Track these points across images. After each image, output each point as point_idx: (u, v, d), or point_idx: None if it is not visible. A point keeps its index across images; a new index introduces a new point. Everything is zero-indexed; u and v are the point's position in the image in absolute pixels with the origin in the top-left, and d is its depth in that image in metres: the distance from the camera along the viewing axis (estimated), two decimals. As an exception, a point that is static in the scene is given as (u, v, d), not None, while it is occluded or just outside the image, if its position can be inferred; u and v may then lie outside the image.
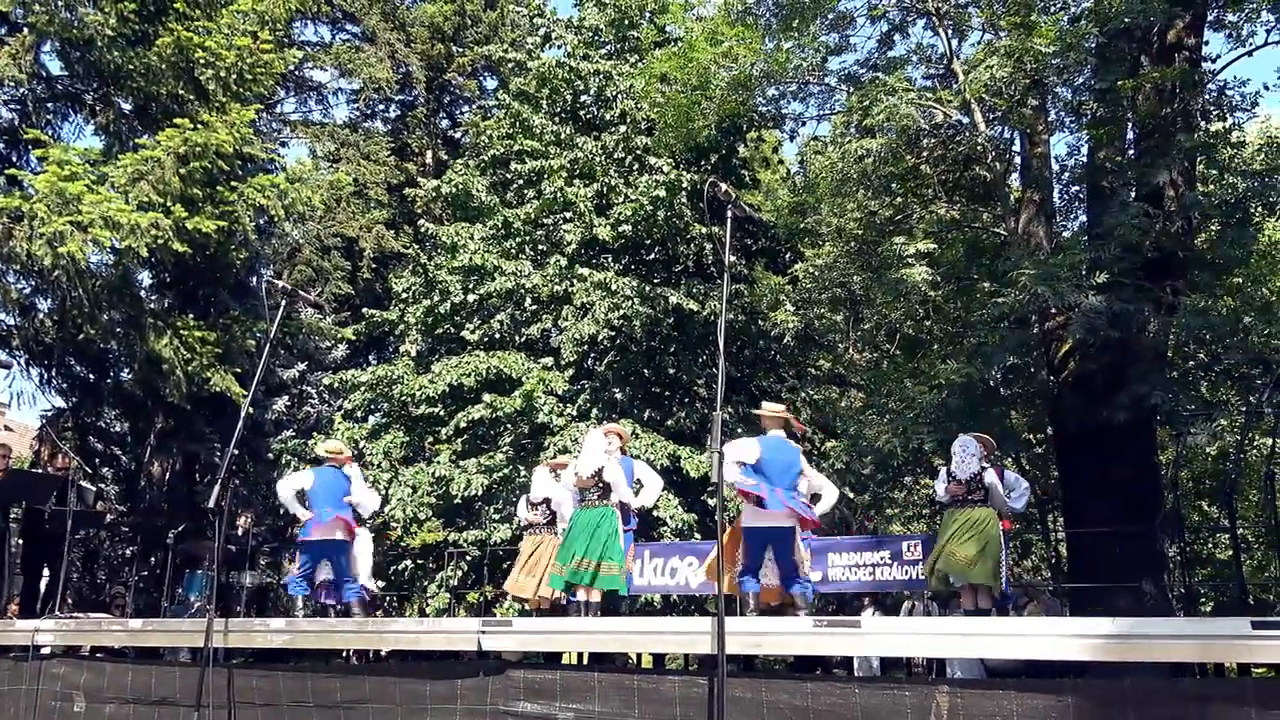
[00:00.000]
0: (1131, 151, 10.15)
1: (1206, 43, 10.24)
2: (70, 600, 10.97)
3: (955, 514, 6.83)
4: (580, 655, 7.60)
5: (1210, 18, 10.07)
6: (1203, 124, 9.77)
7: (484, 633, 4.99)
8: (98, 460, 14.65)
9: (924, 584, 8.62)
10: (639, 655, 8.86)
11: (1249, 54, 9.74)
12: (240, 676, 5.47)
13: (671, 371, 13.72)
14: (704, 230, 13.65)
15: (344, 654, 9.43)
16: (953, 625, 4.68)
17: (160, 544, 11.43)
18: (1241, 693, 3.55)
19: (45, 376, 12.52)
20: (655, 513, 11.62)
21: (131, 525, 14.59)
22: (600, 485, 6.50)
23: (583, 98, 15.29)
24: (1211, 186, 9.99)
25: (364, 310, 16.10)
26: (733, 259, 11.95)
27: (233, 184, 10.73)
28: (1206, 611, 14.19)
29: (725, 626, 3.92)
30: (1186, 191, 9.55)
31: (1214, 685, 4.46)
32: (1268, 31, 9.55)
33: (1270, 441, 9.52)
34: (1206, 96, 9.85)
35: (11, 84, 10.66)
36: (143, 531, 14.07)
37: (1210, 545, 16.36)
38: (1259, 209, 9.43)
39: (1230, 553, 13.84)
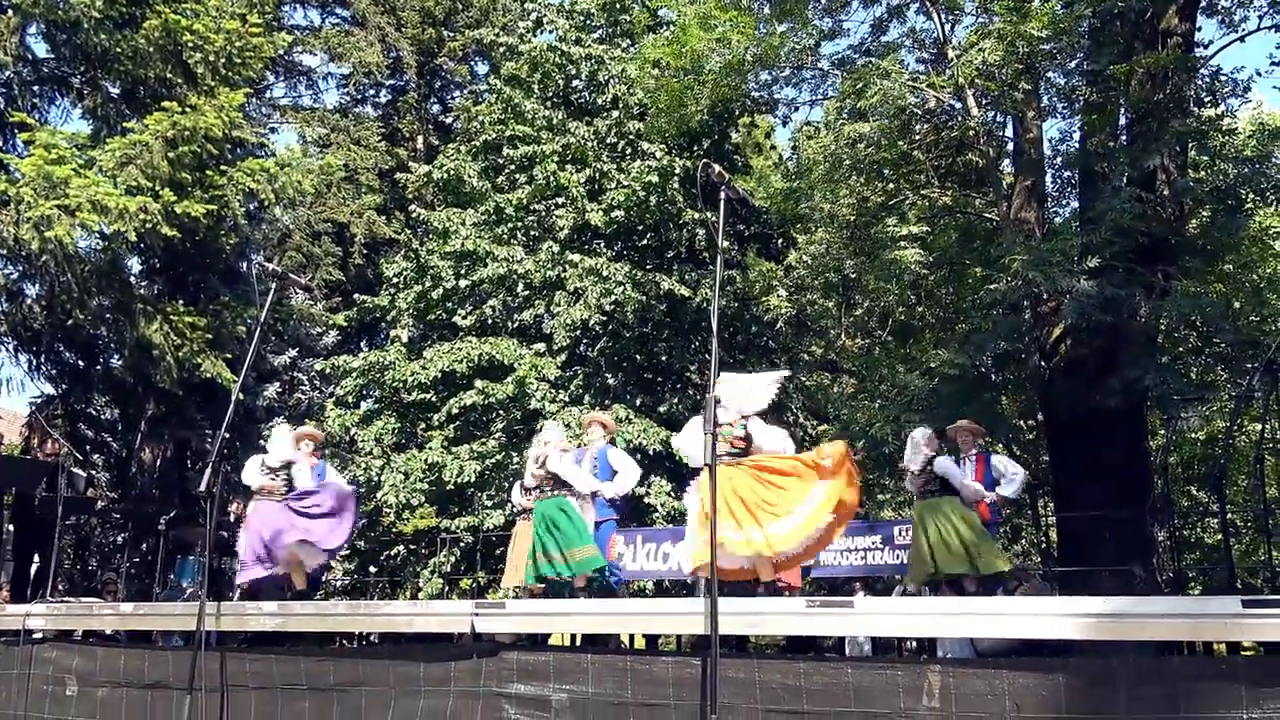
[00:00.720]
0: (1124, 137, 10.15)
1: (1199, 28, 10.26)
2: (61, 587, 10.92)
3: (924, 506, 6.73)
4: (573, 637, 7.62)
5: (1203, 3, 10.06)
6: (1195, 110, 9.78)
7: (477, 615, 4.99)
8: (88, 447, 14.54)
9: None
10: (632, 637, 8.87)
11: (1241, 40, 9.76)
12: (233, 660, 5.46)
13: (664, 357, 13.72)
14: (696, 216, 13.62)
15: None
16: (945, 605, 4.69)
17: (152, 530, 11.37)
18: (1232, 671, 3.57)
19: (34, 363, 12.41)
20: (646, 499, 11.64)
21: (123, 511, 14.51)
22: (550, 476, 6.51)
23: (574, 83, 15.21)
24: (1203, 172, 10.00)
25: (355, 296, 16.05)
26: (725, 244, 11.93)
27: (222, 168, 10.65)
28: (1195, 595, 14.28)
29: (718, 607, 3.93)
30: (1178, 177, 9.56)
31: (1204, 664, 4.49)
32: (1260, 17, 9.57)
33: (1259, 427, 9.56)
34: (1199, 82, 9.85)
35: (-3, 66, 10.55)
36: (134, 518, 14.00)
37: (1199, 530, 16.48)
38: (1250, 195, 9.45)
39: (1219, 537, 13.94)
